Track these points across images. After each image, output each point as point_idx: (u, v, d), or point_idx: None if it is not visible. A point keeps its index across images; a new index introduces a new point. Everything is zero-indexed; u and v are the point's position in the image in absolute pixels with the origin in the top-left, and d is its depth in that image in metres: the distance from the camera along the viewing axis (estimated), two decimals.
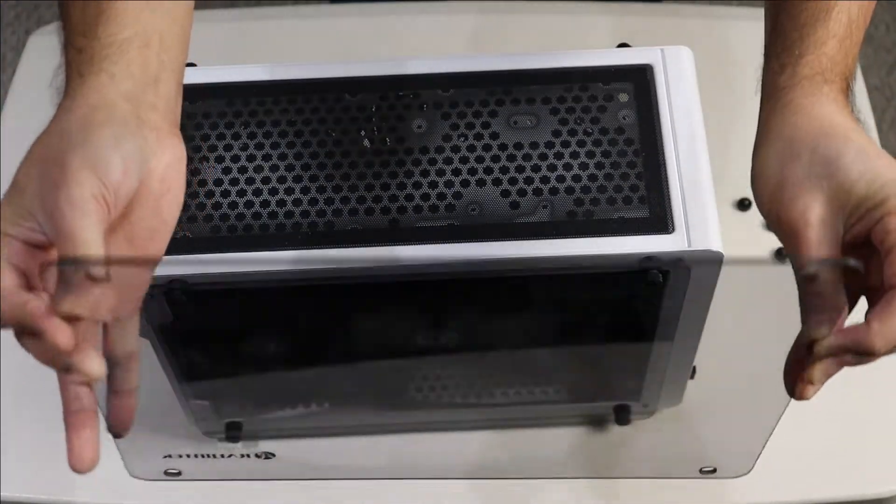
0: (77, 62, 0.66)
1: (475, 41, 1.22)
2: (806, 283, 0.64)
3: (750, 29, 1.18)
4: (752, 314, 0.91)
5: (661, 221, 0.75)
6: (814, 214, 0.64)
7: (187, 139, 0.75)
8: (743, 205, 1.10)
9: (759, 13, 1.24)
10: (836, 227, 0.64)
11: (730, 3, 1.25)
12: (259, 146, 0.79)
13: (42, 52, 1.23)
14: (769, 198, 0.67)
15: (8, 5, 2.07)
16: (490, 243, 0.75)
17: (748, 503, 0.97)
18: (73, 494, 0.97)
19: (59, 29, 0.70)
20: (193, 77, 0.79)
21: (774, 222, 0.67)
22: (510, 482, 0.97)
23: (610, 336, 0.88)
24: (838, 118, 0.67)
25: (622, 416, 0.96)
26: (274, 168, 0.79)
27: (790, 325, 0.71)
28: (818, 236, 0.64)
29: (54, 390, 0.98)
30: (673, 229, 0.75)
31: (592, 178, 0.77)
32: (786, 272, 0.93)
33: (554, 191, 0.76)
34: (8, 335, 1.00)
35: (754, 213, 1.08)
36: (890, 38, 2.05)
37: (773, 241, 1.07)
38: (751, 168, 0.71)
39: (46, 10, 2.06)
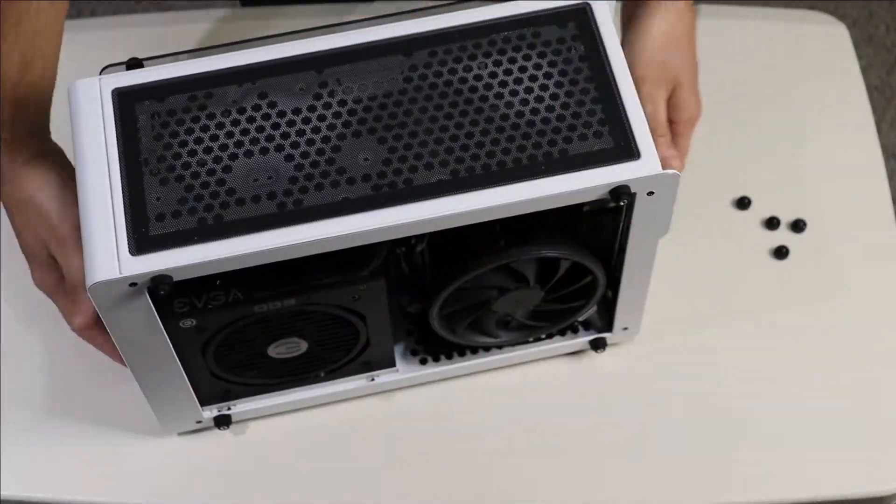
0: (3, 151, 0.89)
1: None
2: None
3: (750, 29, 1.20)
4: None
5: (626, 150, 0.80)
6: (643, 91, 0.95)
7: (155, 137, 0.80)
8: (742, 203, 1.10)
9: (759, 13, 1.26)
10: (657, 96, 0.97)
11: (730, 3, 1.24)
12: (229, 134, 0.80)
13: None
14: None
15: None
16: (473, 193, 0.78)
17: (747, 502, 0.96)
18: (73, 493, 0.96)
19: None
20: (146, 76, 0.82)
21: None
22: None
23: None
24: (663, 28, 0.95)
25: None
26: (248, 153, 0.79)
27: None
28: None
29: (54, 390, 1.00)
30: (639, 155, 0.79)
31: (560, 118, 0.80)
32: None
33: (526, 136, 0.80)
34: (8, 335, 1.03)
35: (753, 211, 1.11)
36: (890, 38, 2.05)
37: (771, 240, 1.09)
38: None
39: None
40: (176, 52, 0.87)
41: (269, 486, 0.97)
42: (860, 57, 1.23)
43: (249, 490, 0.97)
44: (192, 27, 1.14)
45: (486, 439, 0.99)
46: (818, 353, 1.02)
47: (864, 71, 1.22)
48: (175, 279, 0.77)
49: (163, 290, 0.76)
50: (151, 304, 0.79)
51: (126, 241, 0.77)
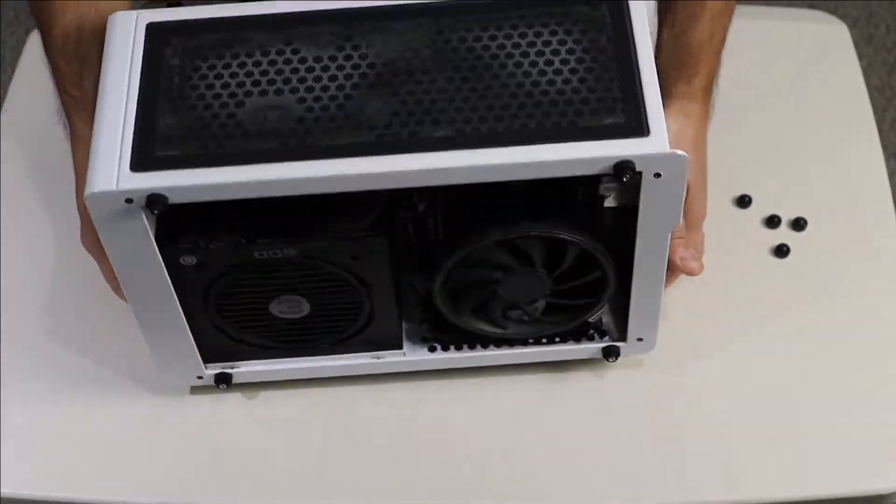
0: (73, 108, 0.91)
1: None
2: None
3: (750, 28, 1.18)
4: None
5: (637, 127, 0.78)
6: None
7: (178, 71, 0.82)
8: (743, 201, 1.09)
9: (759, 12, 1.24)
10: None
11: None
12: (248, 74, 0.81)
13: (42, 52, 1.22)
14: None
15: (8, 5, 2.09)
16: (474, 151, 0.78)
17: (747, 501, 0.95)
18: (73, 493, 0.96)
19: (49, 74, 0.93)
20: (182, 15, 0.84)
21: None
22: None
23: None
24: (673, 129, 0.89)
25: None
26: (263, 92, 0.80)
27: None
28: None
29: (54, 389, 1.01)
30: (648, 133, 0.78)
31: (576, 90, 0.79)
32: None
33: (538, 104, 0.79)
34: (8, 337, 1.03)
35: (754, 210, 1.10)
36: (890, 38, 2.03)
37: (771, 238, 1.08)
38: None
39: None
40: None
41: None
42: (860, 57, 1.23)
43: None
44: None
45: (488, 437, 0.97)
46: (818, 351, 1.01)
47: (864, 71, 1.22)
48: (171, 201, 0.78)
49: (157, 209, 0.77)
50: (148, 225, 0.80)
51: (129, 158, 0.78)
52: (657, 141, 0.77)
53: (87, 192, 0.77)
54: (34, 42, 1.25)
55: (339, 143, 0.78)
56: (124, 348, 1.01)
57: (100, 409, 1.00)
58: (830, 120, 1.15)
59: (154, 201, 0.77)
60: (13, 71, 1.24)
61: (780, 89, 1.17)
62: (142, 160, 0.78)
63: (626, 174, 0.77)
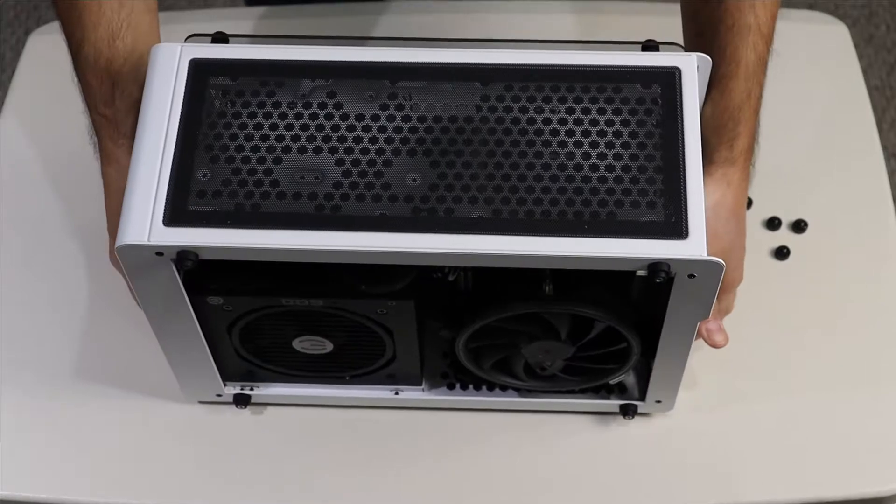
0: (104, 127, 0.89)
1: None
2: None
3: None
4: None
5: (676, 226, 0.77)
6: None
7: (219, 114, 0.80)
8: None
9: None
10: None
11: None
12: (288, 126, 0.80)
13: (42, 52, 1.23)
14: None
15: (8, 5, 2.07)
16: (509, 237, 0.77)
17: (748, 503, 0.96)
18: (73, 493, 0.97)
19: (80, 93, 0.90)
20: (226, 53, 0.83)
21: None
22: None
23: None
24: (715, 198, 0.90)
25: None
26: (301, 149, 0.79)
27: None
28: None
29: (54, 391, 1.01)
30: (687, 235, 0.77)
31: (618, 180, 0.78)
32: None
33: (578, 190, 0.78)
34: (8, 335, 1.03)
35: (754, 211, 1.10)
36: (890, 38, 2.02)
37: (772, 240, 1.07)
38: None
39: (46, 10, 2.04)
40: (262, 34, 0.87)
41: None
42: (860, 57, 1.23)
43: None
44: (193, 27, 1.16)
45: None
46: (818, 353, 1.01)
47: (865, 71, 1.22)
48: (201, 257, 0.77)
49: (187, 265, 0.77)
50: (177, 275, 0.80)
51: (162, 211, 0.77)
52: (695, 244, 0.76)
53: (118, 243, 0.77)
54: (34, 42, 1.25)
55: (374, 214, 0.77)
56: (125, 350, 1.02)
57: (100, 410, 1.00)
58: (830, 120, 1.15)
59: (184, 258, 0.77)
60: (13, 71, 1.23)
61: (779, 90, 1.13)
62: (175, 214, 0.77)
63: (659, 275, 0.76)
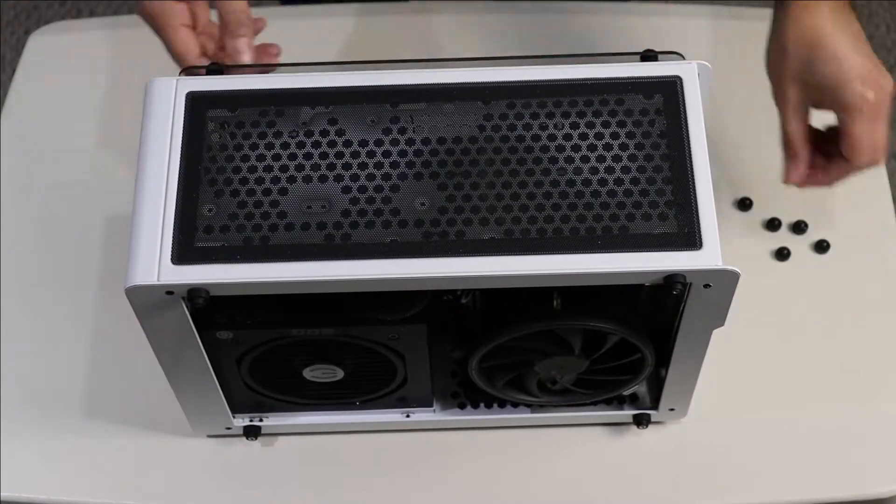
0: None
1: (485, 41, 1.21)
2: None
3: (750, 29, 1.15)
4: None
5: (690, 237, 0.77)
6: (790, 97, 0.93)
7: (220, 147, 0.79)
8: (743, 204, 1.09)
9: (759, 13, 1.21)
10: (802, 109, 0.95)
11: (731, 4, 1.23)
12: (292, 156, 0.79)
13: (42, 52, 1.22)
14: (771, 75, 0.94)
15: (8, 5, 2.07)
16: (522, 257, 0.76)
17: (749, 503, 0.96)
18: (73, 493, 0.97)
19: None
20: (223, 84, 0.82)
21: (773, 91, 0.95)
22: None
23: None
24: (823, 28, 0.90)
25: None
26: (307, 179, 0.78)
27: None
28: (790, 112, 0.95)
29: (54, 391, 1.00)
30: (701, 245, 0.76)
31: (627, 193, 0.78)
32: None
33: (588, 206, 0.77)
34: (8, 337, 1.03)
35: (754, 212, 1.10)
36: (890, 38, 2.03)
37: (772, 241, 1.08)
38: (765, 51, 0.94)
39: (46, 10, 2.04)
40: (257, 64, 0.86)
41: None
42: None
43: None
44: None
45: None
46: (818, 354, 1.01)
47: None
48: (212, 294, 0.76)
49: (198, 302, 0.76)
50: (188, 313, 0.79)
51: (170, 249, 0.76)
52: (710, 254, 0.76)
53: (127, 284, 0.76)
54: (34, 42, 1.24)
55: (385, 241, 0.77)
56: (126, 353, 1.01)
57: (101, 409, 1.00)
58: (830, 121, 1.13)
59: (196, 296, 0.76)
60: (13, 71, 1.22)
61: None
62: (183, 252, 0.76)
63: (676, 287, 0.76)
